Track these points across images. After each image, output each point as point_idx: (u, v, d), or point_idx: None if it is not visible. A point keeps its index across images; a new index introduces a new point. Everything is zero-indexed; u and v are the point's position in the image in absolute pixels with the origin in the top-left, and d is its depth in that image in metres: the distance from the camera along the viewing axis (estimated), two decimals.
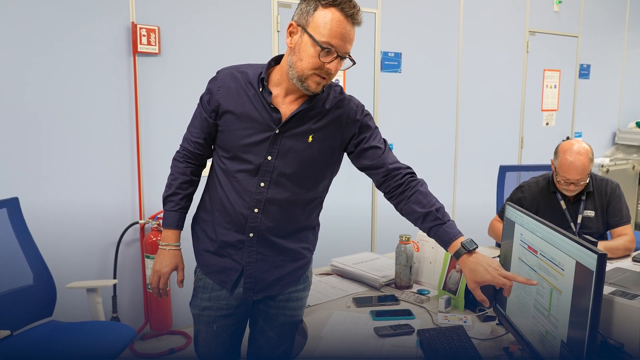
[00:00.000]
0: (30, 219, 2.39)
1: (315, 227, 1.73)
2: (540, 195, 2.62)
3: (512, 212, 1.66)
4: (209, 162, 1.73)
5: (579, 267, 1.23)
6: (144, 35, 2.97)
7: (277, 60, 1.59)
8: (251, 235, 1.59)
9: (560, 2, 5.02)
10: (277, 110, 1.53)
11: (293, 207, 1.59)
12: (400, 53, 4.03)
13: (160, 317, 3.14)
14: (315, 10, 1.44)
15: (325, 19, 1.43)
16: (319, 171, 1.61)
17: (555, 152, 2.54)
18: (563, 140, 2.66)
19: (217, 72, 1.62)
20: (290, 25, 1.50)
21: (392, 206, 1.64)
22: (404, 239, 2.08)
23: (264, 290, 1.65)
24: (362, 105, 1.65)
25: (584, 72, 5.45)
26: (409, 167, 1.64)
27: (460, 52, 4.39)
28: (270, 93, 1.54)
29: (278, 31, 3.44)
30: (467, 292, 1.89)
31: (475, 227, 3.55)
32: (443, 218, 1.53)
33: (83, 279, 2.74)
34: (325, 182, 1.66)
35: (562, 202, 2.56)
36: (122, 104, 2.99)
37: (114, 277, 3.01)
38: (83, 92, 2.87)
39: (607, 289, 1.56)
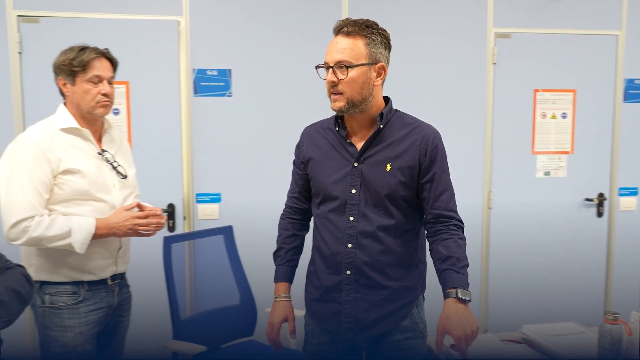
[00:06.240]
0: (241, 245, 2.69)
1: (418, 264, 1.71)
2: None
3: None
4: None
5: None
6: None
7: None
8: (348, 272, 1.64)
9: None
10: (352, 144, 1.66)
11: (386, 237, 1.62)
12: None
13: None
14: None
15: None
16: (403, 199, 1.63)
17: None
18: None
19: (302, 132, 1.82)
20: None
21: None
22: (610, 317, 1.69)
23: (365, 331, 1.65)
24: (438, 133, 1.67)
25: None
26: (460, 220, 1.67)
27: None
28: (345, 129, 1.67)
29: (494, 64, 3.22)
30: None
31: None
32: (459, 269, 1.54)
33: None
34: (415, 211, 1.67)
35: None
36: None
37: None
38: None
39: None
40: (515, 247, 3.31)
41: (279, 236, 1.84)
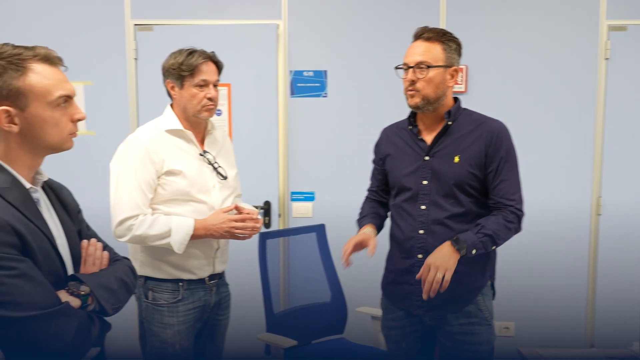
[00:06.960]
0: (333, 244, 2.72)
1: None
2: None
3: None
4: None
5: None
6: None
7: None
8: (419, 256, 1.80)
9: None
10: (423, 140, 1.84)
11: (455, 224, 1.77)
12: None
13: None
14: None
15: None
16: (472, 188, 1.79)
17: None
18: None
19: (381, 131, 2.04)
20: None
21: None
22: None
23: (433, 310, 1.80)
24: (504, 127, 1.81)
25: None
26: (519, 208, 1.78)
27: None
28: (417, 126, 1.87)
29: (606, 59, 2.99)
30: None
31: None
32: (476, 232, 1.71)
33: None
34: (485, 199, 1.81)
35: None
36: None
37: None
38: None
39: None
40: (627, 257, 3.05)
41: (361, 211, 2.04)
